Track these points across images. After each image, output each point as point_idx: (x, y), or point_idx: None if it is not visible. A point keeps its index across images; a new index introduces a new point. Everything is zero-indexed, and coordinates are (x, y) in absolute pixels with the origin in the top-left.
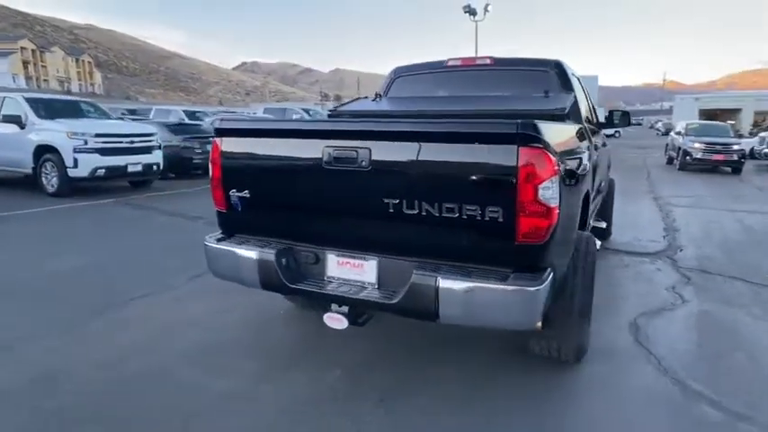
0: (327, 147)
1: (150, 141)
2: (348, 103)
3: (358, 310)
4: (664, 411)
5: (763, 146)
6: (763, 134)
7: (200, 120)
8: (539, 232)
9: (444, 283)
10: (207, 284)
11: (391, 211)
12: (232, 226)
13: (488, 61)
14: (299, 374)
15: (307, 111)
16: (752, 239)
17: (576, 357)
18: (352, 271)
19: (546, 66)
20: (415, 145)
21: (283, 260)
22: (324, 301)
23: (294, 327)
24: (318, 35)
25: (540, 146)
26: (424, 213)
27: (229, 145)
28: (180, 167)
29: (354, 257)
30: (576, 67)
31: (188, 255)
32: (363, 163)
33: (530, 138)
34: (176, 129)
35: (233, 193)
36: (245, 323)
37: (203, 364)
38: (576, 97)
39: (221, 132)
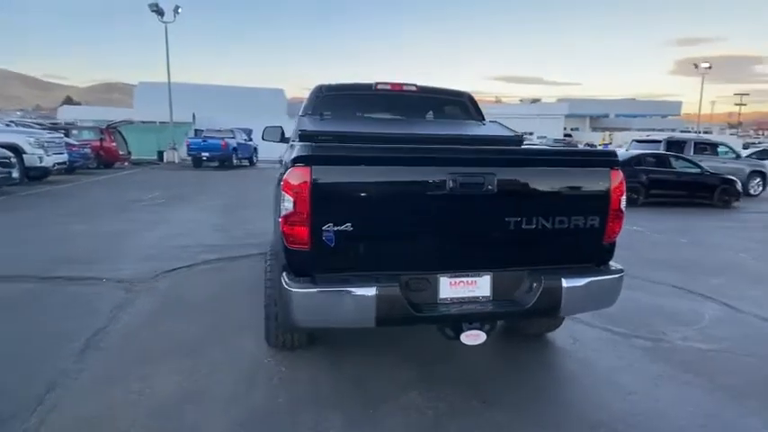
0: (452, 173)
1: None
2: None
3: (485, 322)
4: (623, 347)
5: None
6: None
7: None
8: (617, 232)
9: (567, 283)
10: (116, 354)
11: (511, 228)
12: (315, 265)
13: (413, 88)
14: (390, 407)
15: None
16: None
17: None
18: (465, 289)
19: (462, 96)
20: (534, 169)
21: (408, 291)
22: (456, 322)
23: (304, 370)
24: None
25: (619, 168)
26: (540, 227)
27: (324, 174)
28: None
29: (469, 276)
30: (264, 80)
31: (22, 327)
32: (489, 187)
33: (615, 162)
34: None
35: (328, 227)
36: (245, 383)
37: None
38: None
39: (311, 160)
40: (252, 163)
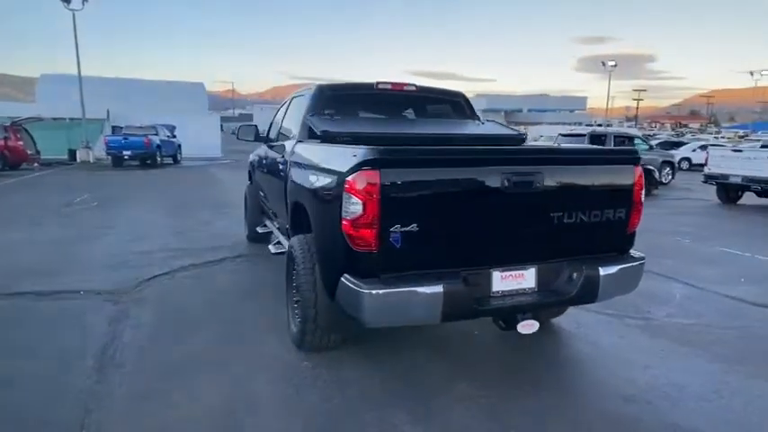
0: (506, 173)
1: None
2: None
3: (535, 312)
4: (621, 327)
5: None
6: None
7: None
8: (637, 222)
9: (603, 271)
10: (138, 370)
11: (555, 222)
12: (381, 266)
13: (413, 88)
14: (446, 399)
15: None
16: None
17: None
18: (514, 282)
19: (458, 96)
20: (574, 167)
21: (468, 287)
22: (511, 314)
23: (344, 371)
24: None
25: (639, 164)
26: (578, 220)
27: (392, 176)
28: None
29: (517, 269)
30: (180, 74)
31: (15, 348)
32: (538, 185)
33: (638, 159)
34: None
35: (395, 229)
36: (291, 388)
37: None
38: None
39: (380, 163)
40: (176, 161)
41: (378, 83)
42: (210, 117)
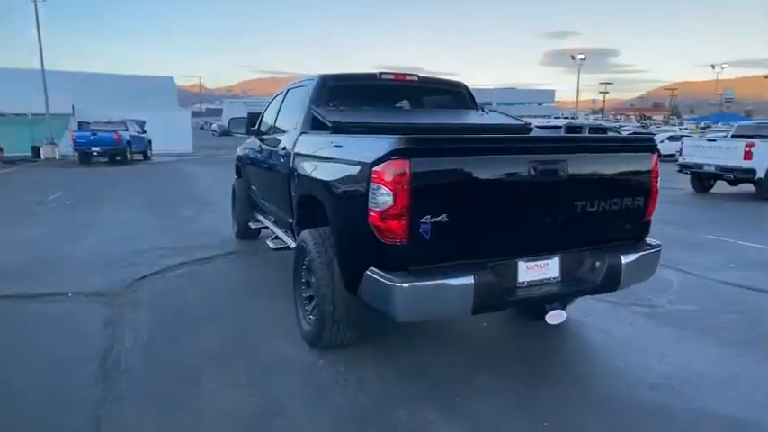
0: (532, 161)
1: None
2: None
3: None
4: (628, 315)
5: None
6: None
7: None
8: (653, 210)
9: (625, 259)
10: (146, 375)
11: (578, 211)
12: (410, 258)
13: (416, 78)
14: (471, 394)
15: None
16: None
17: None
18: (539, 272)
19: (459, 86)
20: (597, 155)
21: (496, 278)
22: (539, 304)
23: (362, 368)
24: None
25: (656, 153)
26: (600, 209)
27: (422, 166)
28: None
29: (542, 259)
30: (146, 69)
31: (7, 354)
32: (562, 174)
33: (655, 147)
34: None
35: (426, 219)
36: (313, 388)
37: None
38: None
39: (410, 152)
40: (146, 157)
41: (380, 73)
42: (181, 112)
